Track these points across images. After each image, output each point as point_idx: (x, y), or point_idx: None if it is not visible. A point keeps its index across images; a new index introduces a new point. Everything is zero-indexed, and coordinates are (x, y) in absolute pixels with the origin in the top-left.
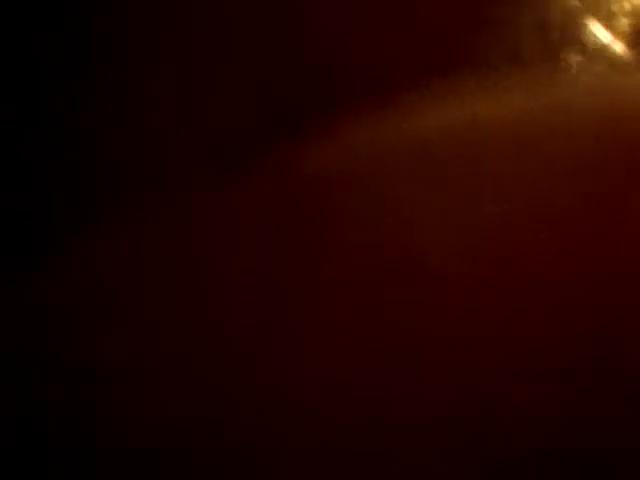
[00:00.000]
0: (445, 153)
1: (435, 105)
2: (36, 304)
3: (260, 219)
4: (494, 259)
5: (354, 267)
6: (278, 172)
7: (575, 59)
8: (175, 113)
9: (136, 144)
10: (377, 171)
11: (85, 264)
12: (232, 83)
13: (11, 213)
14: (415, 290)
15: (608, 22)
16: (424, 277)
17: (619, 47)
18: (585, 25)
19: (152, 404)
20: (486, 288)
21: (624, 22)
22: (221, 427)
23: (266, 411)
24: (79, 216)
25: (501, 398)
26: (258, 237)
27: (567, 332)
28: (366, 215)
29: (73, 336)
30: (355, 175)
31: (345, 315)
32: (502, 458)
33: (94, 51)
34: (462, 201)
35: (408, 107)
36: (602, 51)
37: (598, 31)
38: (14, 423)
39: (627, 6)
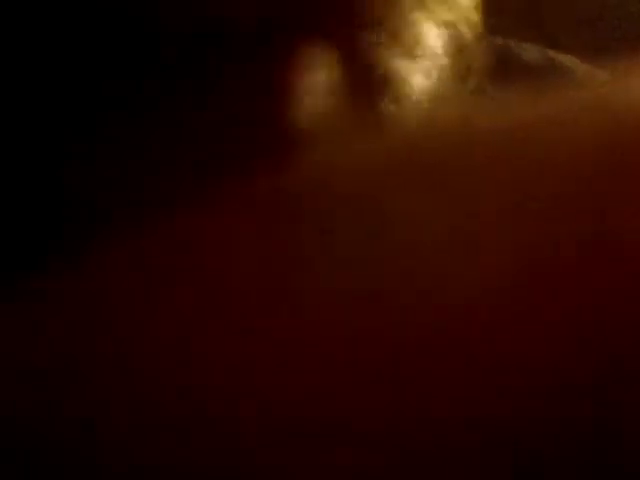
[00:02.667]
0: (439, 159)
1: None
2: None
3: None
4: (495, 265)
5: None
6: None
7: None
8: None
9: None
10: (370, 181)
11: (83, 278)
12: None
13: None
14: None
15: None
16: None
17: None
18: None
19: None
20: (490, 297)
21: None
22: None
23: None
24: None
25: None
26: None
27: (567, 342)
28: (360, 222)
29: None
30: (348, 185)
31: (340, 324)
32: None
33: None
34: (458, 207)
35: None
36: None
37: None
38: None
39: None
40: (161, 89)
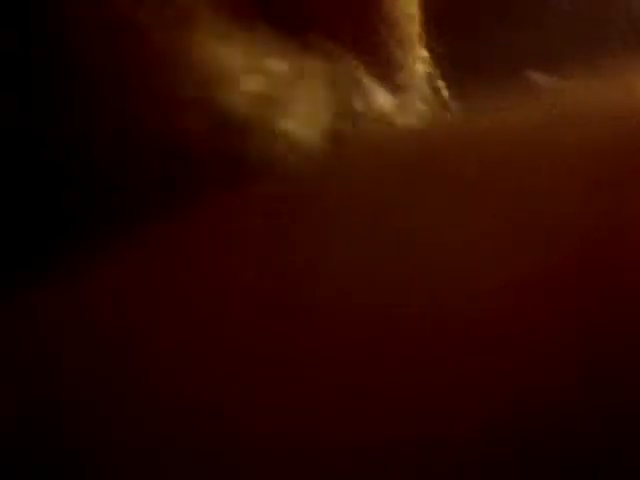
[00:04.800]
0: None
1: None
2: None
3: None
4: (496, 269)
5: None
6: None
7: None
8: None
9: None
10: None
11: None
12: None
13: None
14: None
15: None
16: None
17: None
18: None
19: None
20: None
21: None
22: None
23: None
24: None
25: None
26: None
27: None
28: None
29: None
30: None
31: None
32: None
33: None
34: (465, 205)
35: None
36: None
37: None
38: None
39: None
40: None
